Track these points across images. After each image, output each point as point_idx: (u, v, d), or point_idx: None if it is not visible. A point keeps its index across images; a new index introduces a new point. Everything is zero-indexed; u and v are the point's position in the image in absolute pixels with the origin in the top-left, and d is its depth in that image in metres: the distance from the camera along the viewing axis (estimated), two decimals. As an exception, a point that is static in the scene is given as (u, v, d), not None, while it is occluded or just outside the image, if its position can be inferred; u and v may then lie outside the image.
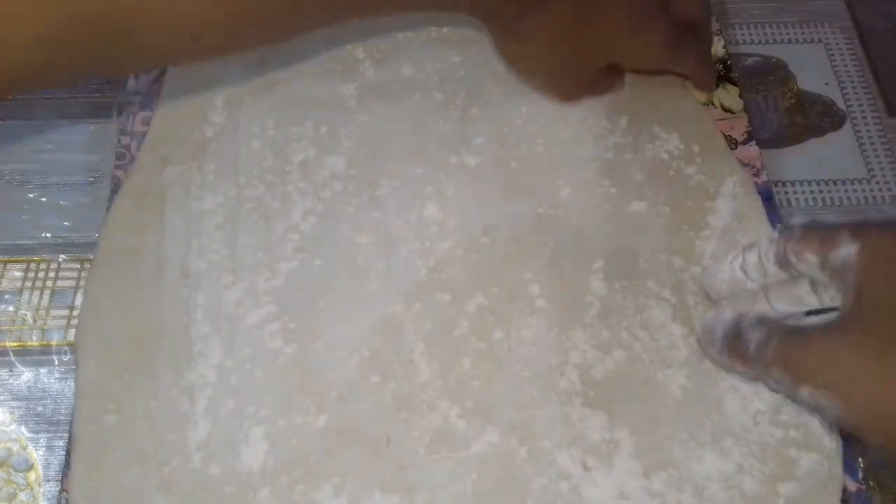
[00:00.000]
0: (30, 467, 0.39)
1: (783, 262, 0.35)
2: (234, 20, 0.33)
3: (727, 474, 0.36)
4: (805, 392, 0.32)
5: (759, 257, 0.36)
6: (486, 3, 0.40)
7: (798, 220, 0.35)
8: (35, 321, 0.43)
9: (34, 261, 0.44)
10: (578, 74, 0.44)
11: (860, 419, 0.31)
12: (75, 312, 0.42)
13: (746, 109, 0.47)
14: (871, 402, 0.30)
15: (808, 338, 0.32)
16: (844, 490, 0.36)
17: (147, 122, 0.45)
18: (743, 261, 0.36)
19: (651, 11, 0.42)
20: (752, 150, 0.45)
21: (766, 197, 0.44)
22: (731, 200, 0.43)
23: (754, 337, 0.34)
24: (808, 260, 0.34)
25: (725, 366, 0.36)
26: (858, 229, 0.33)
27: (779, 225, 0.35)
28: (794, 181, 0.47)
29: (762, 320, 0.34)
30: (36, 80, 0.33)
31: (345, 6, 0.37)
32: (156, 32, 0.32)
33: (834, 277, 0.33)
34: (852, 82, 0.51)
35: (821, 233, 0.34)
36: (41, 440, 0.40)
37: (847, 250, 0.32)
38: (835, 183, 0.47)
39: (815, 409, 0.33)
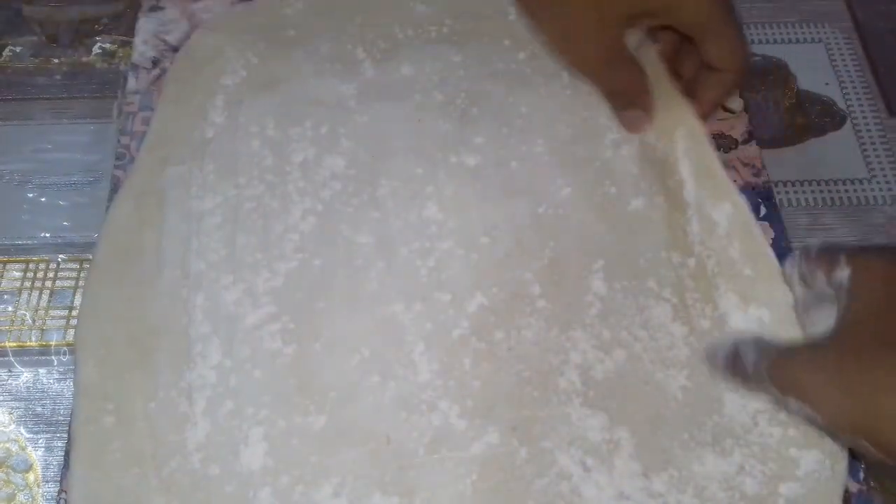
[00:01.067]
0: (29, 468, 0.39)
1: (805, 282, 0.38)
2: None
3: (728, 475, 0.36)
4: (792, 403, 0.33)
5: (786, 277, 0.39)
6: None
7: (814, 242, 0.38)
8: (34, 321, 0.43)
9: (33, 261, 0.44)
10: (602, 30, 0.40)
11: (835, 428, 0.33)
12: (74, 313, 0.42)
13: (747, 109, 0.47)
14: (839, 413, 0.32)
15: (794, 352, 0.35)
16: (846, 490, 0.36)
17: (147, 122, 0.45)
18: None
19: None
20: (752, 149, 0.45)
21: (767, 197, 0.44)
22: (688, 162, 0.43)
23: (750, 357, 0.35)
24: (820, 279, 0.36)
25: (728, 382, 0.38)
26: (854, 253, 0.35)
27: (800, 249, 0.38)
28: (795, 181, 0.47)
29: (757, 341, 0.36)
30: None
31: None
32: None
33: (836, 298, 0.35)
34: (852, 82, 0.51)
35: (828, 254, 0.36)
36: (40, 441, 0.40)
37: (843, 273, 0.35)
38: (835, 183, 0.47)
39: (804, 419, 0.34)
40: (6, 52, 0.51)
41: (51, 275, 0.44)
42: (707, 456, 0.36)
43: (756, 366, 0.35)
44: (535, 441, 0.36)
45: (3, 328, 0.42)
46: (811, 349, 0.35)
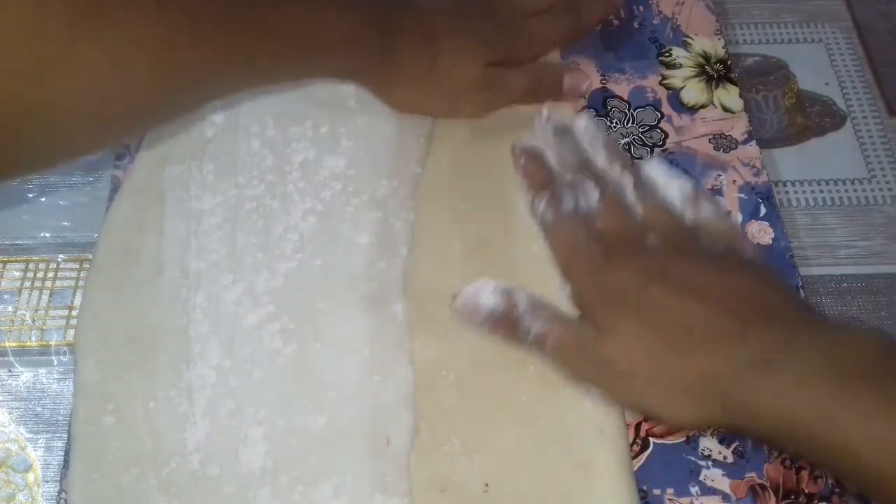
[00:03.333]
0: (28, 468, 0.39)
1: None
2: (123, 109, 0.32)
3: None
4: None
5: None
6: (362, 71, 0.43)
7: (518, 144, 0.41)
8: (34, 321, 0.43)
9: (33, 260, 0.44)
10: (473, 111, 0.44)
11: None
12: (74, 312, 0.42)
13: (747, 109, 0.47)
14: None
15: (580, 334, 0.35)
16: (845, 492, 0.36)
17: (146, 121, 0.45)
18: None
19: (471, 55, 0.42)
20: (752, 149, 0.45)
21: (767, 196, 0.44)
22: None
23: (533, 327, 0.36)
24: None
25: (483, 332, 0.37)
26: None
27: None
28: (795, 181, 0.47)
29: (537, 308, 0.36)
30: None
31: (236, 79, 0.38)
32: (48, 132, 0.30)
33: None
34: (852, 82, 0.51)
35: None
36: (40, 441, 0.40)
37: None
38: (835, 183, 0.47)
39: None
40: (6, 52, 0.51)
41: (51, 275, 0.44)
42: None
43: (539, 338, 0.36)
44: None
45: (3, 328, 0.42)
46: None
